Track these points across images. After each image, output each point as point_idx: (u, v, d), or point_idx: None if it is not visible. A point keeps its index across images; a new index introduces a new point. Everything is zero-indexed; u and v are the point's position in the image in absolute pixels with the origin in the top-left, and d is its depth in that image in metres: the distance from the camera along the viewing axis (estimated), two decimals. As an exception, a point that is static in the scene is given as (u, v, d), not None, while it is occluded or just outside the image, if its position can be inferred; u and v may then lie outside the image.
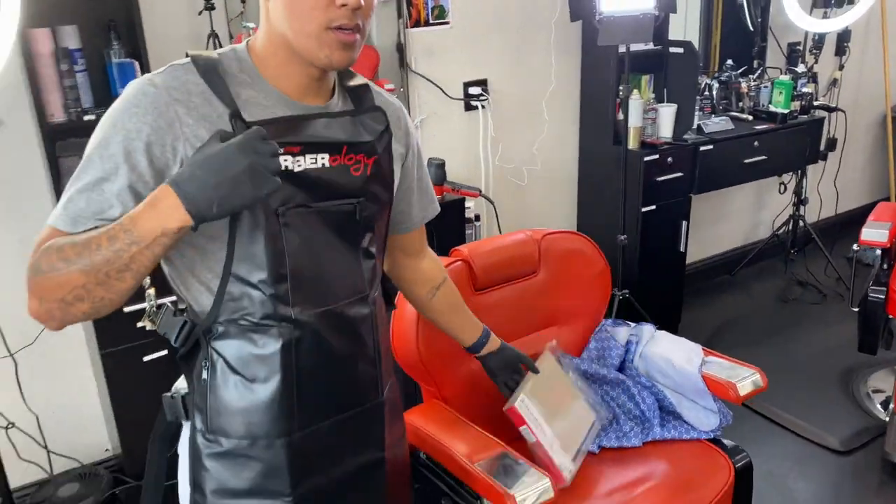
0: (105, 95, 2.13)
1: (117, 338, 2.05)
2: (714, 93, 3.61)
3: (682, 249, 3.33)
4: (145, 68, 2.09)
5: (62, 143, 2.09)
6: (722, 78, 3.67)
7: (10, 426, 2.13)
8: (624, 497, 1.64)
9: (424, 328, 1.71)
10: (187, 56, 1.07)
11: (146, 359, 2.11)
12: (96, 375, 2.39)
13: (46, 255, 0.97)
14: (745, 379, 1.71)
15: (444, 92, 2.88)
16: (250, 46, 1.11)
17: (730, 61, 3.74)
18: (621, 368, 1.94)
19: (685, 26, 3.83)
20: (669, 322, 3.32)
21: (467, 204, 2.65)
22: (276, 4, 1.04)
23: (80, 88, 2.07)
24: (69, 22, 2.05)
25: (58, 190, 2.04)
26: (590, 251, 1.98)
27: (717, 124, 3.34)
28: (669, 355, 1.83)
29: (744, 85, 3.62)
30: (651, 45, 3.16)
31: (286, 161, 1.04)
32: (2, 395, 1.98)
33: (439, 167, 2.55)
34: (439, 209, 1.42)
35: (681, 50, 3.13)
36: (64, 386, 2.36)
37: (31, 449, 2.28)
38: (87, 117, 2.06)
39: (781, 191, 4.05)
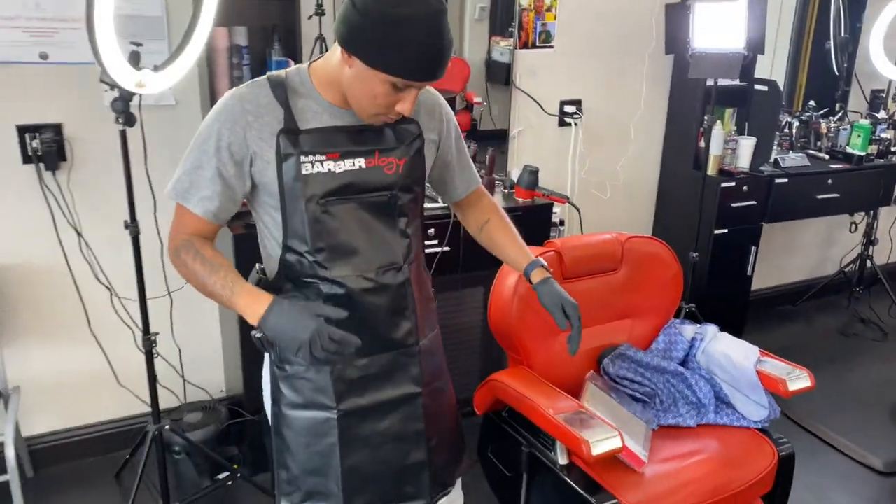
0: (263, 86, 2.52)
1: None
2: (794, 130, 3.82)
3: (748, 273, 3.55)
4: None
5: (224, 123, 2.49)
6: (803, 117, 3.88)
7: (157, 355, 2.54)
8: (677, 465, 1.91)
9: (519, 305, 2.02)
10: (266, 75, 1.41)
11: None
12: (222, 324, 2.79)
13: (186, 251, 1.38)
14: (795, 377, 1.96)
15: (542, 108, 3.20)
16: (311, 68, 1.41)
17: (812, 102, 3.95)
18: (685, 361, 2.21)
19: (772, 66, 4.05)
20: (730, 340, 3.53)
21: (554, 209, 2.95)
22: (351, 79, 1.31)
23: (244, 79, 2.47)
24: (241, 23, 2.46)
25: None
26: (667, 256, 2.26)
27: (794, 160, 3.56)
28: (729, 352, 2.09)
29: (823, 125, 3.81)
30: (738, 81, 3.41)
31: (329, 164, 1.37)
32: (157, 327, 2.38)
33: (532, 174, 2.85)
34: (480, 181, 1.71)
35: (765, 88, 3.37)
36: (198, 329, 2.78)
37: (171, 377, 2.69)
38: (248, 103, 2.45)
39: (852, 230, 4.20)
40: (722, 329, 2.21)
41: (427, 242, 1.97)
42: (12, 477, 2.16)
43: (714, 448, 1.98)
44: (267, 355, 1.52)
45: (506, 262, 1.73)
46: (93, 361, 2.59)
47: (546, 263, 1.64)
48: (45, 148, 2.34)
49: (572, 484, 1.83)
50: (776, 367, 2.02)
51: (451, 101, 3.11)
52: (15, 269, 2.42)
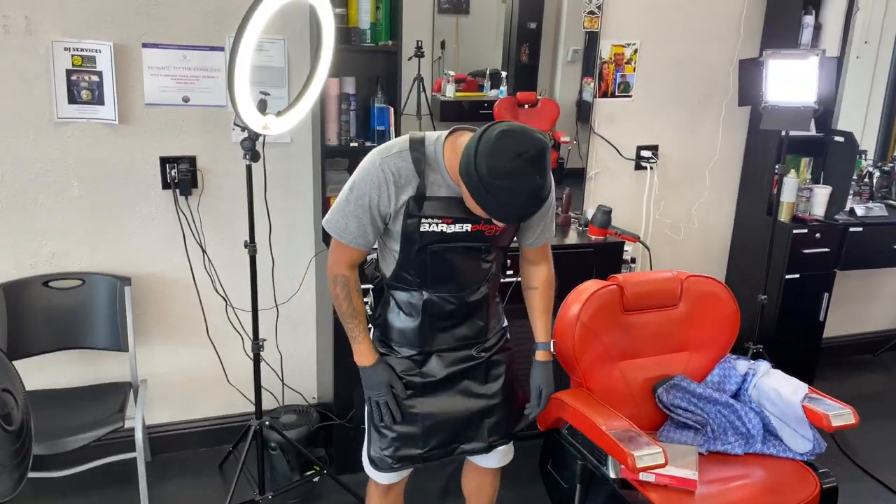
0: (365, 129, 2.88)
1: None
2: (874, 180, 3.87)
3: (821, 319, 3.62)
4: (396, 112, 2.81)
5: (330, 160, 2.85)
6: (885, 168, 3.92)
7: (262, 360, 2.89)
8: (721, 487, 2.07)
9: (581, 331, 2.24)
10: (409, 140, 1.76)
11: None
12: (318, 337, 3.13)
13: (341, 287, 1.87)
14: (839, 414, 2.09)
15: (619, 152, 3.42)
16: (446, 144, 1.73)
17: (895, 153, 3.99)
18: (737, 394, 2.36)
19: (866, 117, 4.12)
20: (800, 384, 3.59)
21: (626, 247, 3.15)
22: (463, 188, 1.64)
23: (350, 123, 2.82)
24: (350, 74, 2.82)
25: (322, 193, 2.79)
26: (724, 295, 2.43)
27: (870, 209, 3.62)
28: (779, 387, 2.24)
29: (905, 176, 3.85)
30: (814, 132, 3.53)
31: (442, 226, 1.76)
32: (263, 335, 2.73)
33: (605, 213, 3.07)
34: (551, 235, 1.99)
35: (842, 139, 3.47)
36: (298, 340, 3.13)
37: (271, 380, 3.05)
38: (351, 144, 2.81)
39: (937, 281, 4.18)
40: (792, 373, 2.33)
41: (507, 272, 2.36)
42: (139, 456, 2.53)
43: (759, 475, 2.12)
44: (371, 331, 2.00)
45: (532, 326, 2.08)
46: (207, 363, 2.97)
47: (553, 348, 2.03)
48: (181, 176, 2.76)
49: (623, 496, 2.02)
50: (823, 403, 2.16)
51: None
52: (150, 279, 2.84)
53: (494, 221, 1.72)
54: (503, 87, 3.34)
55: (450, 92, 3.12)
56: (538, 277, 2.03)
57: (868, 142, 4.16)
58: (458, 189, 1.70)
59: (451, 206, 1.75)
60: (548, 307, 2.04)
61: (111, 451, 2.66)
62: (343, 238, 1.80)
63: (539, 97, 3.33)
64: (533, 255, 2.01)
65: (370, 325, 1.97)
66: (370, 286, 2.00)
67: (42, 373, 2.72)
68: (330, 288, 1.89)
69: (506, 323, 2.08)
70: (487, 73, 3.32)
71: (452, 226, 1.76)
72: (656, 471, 1.97)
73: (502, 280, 2.05)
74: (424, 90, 3.03)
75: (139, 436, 2.51)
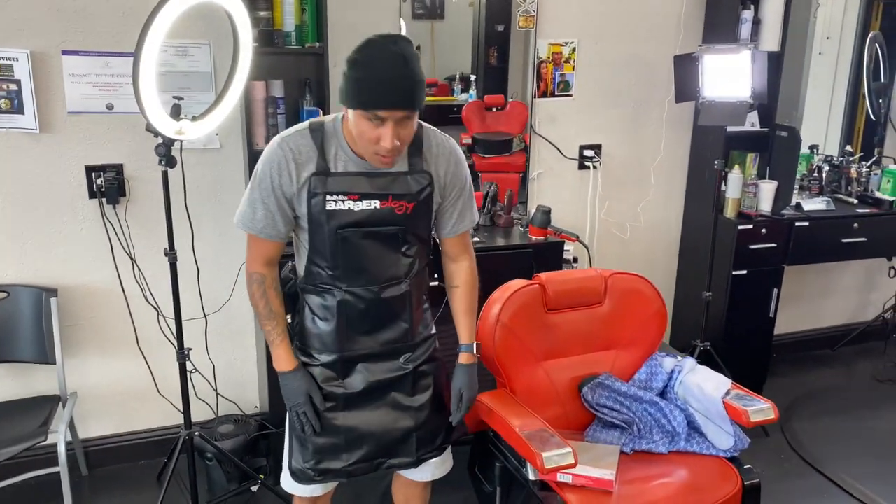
0: (295, 133, 2.84)
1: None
2: (823, 174, 3.86)
3: (771, 315, 3.60)
4: (326, 114, 2.77)
5: (260, 165, 2.81)
6: (834, 162, 3.91)
7: (193, 371, 2.84)
8: (641, 486, 2.04)
9: (501, 332, 2.21)
10: (309, 122, 1.73)
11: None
12: (257, 345, 3.08)
13: (257, 286, 1.81)
14: (758, 409, 2.06)
15: (560, 152, 3.40)
16: (344, 120, 1.70)
17: (848, 147, 3.99)
18: (664, 392, 2.33)
19: (829, 113, 4.13)
20: (752, 381, 3.57)
21: (566, 247, 3.12)
22: (351, 126, 1.63)
23: (279, 126, 2.79)
24: (277, 77, 2.78)
25: (252, 199, 2.75)
26: (649, 292, 2.40)
27: (817, 203, 3.60)
28: (702, 383, 2.21)
29: (853, 170, 3.84)
30: (758, 127, 3.52)
31: (349, 203, 1.69)
32: (194, 345, 2.69)
33: (545, 213, 3.04)
34: (471, 224, 1.93)
35: (785, 133, 3.46)
36: (235, 350, 3.08)
37: (205, 390, 3.00)
38: (280, 148, 2.77)
39: (891, 275, 4.16)
40: (742, 372, 2.31)
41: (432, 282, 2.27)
42: (63, 471, 2.48)
43: (681, 473, 2.09)
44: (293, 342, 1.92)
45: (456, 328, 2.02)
46: (139, 374, 2.92)
47: (477, 350, 1.97)
48: (108, 185, 2.72)
49: (539, 498, 1.99)
50: (745, 399, 2.13)
51: (509, 143, 3.36)
52: (78, 290, 2.79)
53: (402, 200, 1.70)
54: (472, 91, 3.33)
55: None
56: (459, 275, 1.97)
57: (833, 136, 4.17)
58: (364, 164, 1.69)
59: (356, 182, 1.70)
60: (471, 307, 1.98)
61: (38, 465, 2.62)
62: (253, 229, 1.75)
63: (508, 100, 3.31)
64: (452, 249, 1.95)
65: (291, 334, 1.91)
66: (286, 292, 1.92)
67: (-33, 388, 2.67)
68: (247, 290, 1.83)
69: (434, 330, 2.00)
70: (458, 76, 3.30)
71: (360, 203, 1.70)
72: (570, 471, 1.94)
73: (432, 284, 1.99)
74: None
75: (62, 449, 2.46)
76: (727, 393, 2.15)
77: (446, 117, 3.28)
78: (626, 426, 2.26)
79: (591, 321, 2.36)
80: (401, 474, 2.09)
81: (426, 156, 1.77)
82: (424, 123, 1.81)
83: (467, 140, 3.30)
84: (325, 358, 1.85)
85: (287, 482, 1.96)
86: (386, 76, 1.54)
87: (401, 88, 1.55)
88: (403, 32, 3.02)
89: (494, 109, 3.36)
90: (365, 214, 1.71)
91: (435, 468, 2.03)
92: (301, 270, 1.83)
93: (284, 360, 1.83)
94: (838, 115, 4.21)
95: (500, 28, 3.35)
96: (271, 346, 1.83)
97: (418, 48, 3.13)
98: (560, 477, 1.98)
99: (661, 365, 2.35)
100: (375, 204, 1.71)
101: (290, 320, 1.90)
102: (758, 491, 2.08)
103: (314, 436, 1.85)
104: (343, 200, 1.69)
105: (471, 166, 2.05)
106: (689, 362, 2.32)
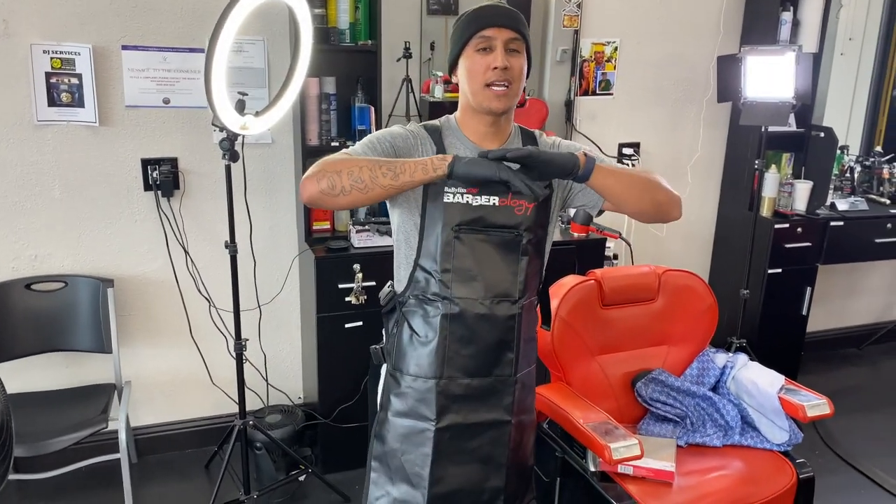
0: (346, 129, 2.89)
1: (331, 305, 2.75)
2: (856, 175, 3.90)
3: (804, 313, 3.64)
4: (377, 112, 2.83)
5: (311, 160, 2.83)
6: (866, 163, 3.96)
7: (245, 360, 2.89)
8: (699, 478, 2.09)
9: (559, 327, 2.26)
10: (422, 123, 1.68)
11: (347, 326, 2.79)
12: (303, 336, 3.14)
13: (339, 162, 1.48)
14: (815, 404, 2.11)
15: (600, 150, 3.44)
16: (456, 115, 1.68)
17: (878, 147, 4.03)
18: (716, 387, 2.38)
19: (850, 113, 4.16)
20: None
21: (608, 244, 3.17)
22: (461, 77, 1.61)
23: (331, 123, 2.84)
24: (330, 74, 2.83)
25: (305, 193, 2.80)
26: (701, 289, 2.45)
27: (852, 204, 3.65)
28: (756, 379, 2.26)
29: (886, 171, 3.88)
30: (794, 128, 3.56)
31: (468, 197, 1.55)
32: (246, 335, 2.74)
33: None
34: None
35: (822, 134, 3.50)
36: (282, 341, 3.14)
37: (254, 381, 3.05)
38: (332, 143, 2.82)
39: (920, 275, 4.21)
40: (776, 367, 2.35)
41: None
42: (123, 457, 2.53)
43: (736, 466, 2.14)
44: (384, 367, 1.72)
45: None
46: (192, 363, 2.98)
47: (587, 166, 1.52)
48: (163, 178, 2.77)
49: (600, 489, 2.04)
50: (800, 395, 2.18)
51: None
52: (133, 281, 2.84)
53: (523, 199, 1.55)
54: None
55: (438, 93, 3.13)
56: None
57: (853, 138, 4.20)
58: (476, 146, 1.60)
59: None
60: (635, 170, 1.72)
61: (95, 452, 2.67)
62: (354, 153, 1.56)
63: (527, 97, 3.35)
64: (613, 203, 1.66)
65: (382, 365, 1.72)
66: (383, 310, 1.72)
67: (25, 375, 2.72)
68: (319, 181, 1.46)
69: (534, 376, 1.77)
70: None
71: (478, 197, 1.56)
72: (634, 463, 1.99)
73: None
74: (413, 91, 3.04)
75: (123, 437, 2.51)
76: (781, 388, 2.20)
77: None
78: (678, 420, 2.31)
79: (645, 317, 2.41)
80: None
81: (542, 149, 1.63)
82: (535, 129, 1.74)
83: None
84: (419, 385, 1.62)
85: None
86: (488, 6, 1.57)
87: (503, 12, 1.57)
88: (422, 27, 3.08)
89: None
90: (482, 211, 1.56)
91: None
92: (403, 281, 1.65)
93: (442, 158, 1.47)
94: (859, 116, 4.25)
95: (521, 26, 3.38)
96: (415, 170, 1.46)
97: (433, 44, 3.21)
98: (621, 468, 2.03)
99: (713, 360, 2.40)
100: (494, 200, 1.57)
101: (377, 346, 1.73)
102: (812, 484, 2.13)
103: (390, 484, 1.68)
104: (462, 193, 1.55)
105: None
106: (742, 358, 2.37)
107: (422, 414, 1.63)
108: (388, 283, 1.72)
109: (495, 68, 1.54)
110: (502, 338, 1.62)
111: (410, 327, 1.63)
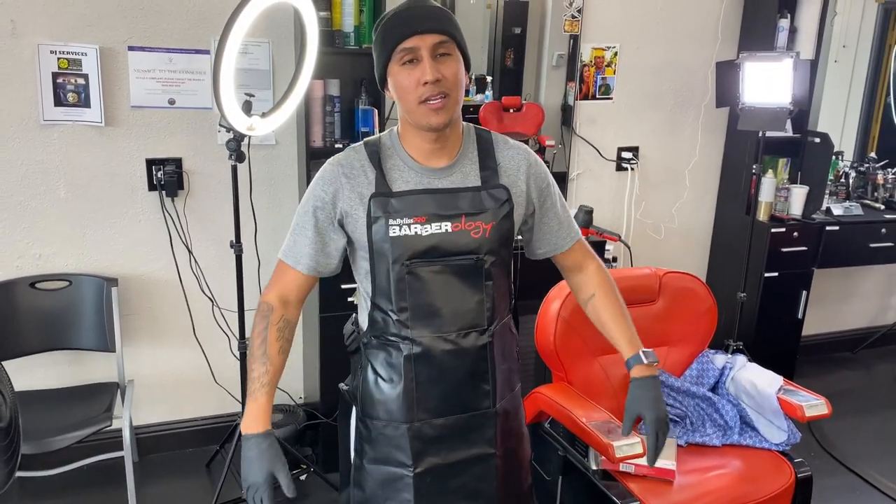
0: (350, 131, 2.92)
1: (333, 305, 2.77)
2: (850, 181, 3.95)
3: (799, 316, 3.69)
4: (381, 114, 2.85)
5: (315, 161, 2.88)
6: (860, 168, 4.01)
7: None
8: (699, 477, 2.12)
9: (562, 327, 2.29)
10: (364, 140, 1.53)
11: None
12: (304, 336, 3.15)
13: (262, 319, 1.50)
14: (813, 404, 2.14)
15: (600, 153, 3.48)
16: (399, 130, 1.51)
17: (872, 153, 4.08)
18: (715, 388, 2.41)
19: (844, 119, 4.21)
20: (780, 380, 3.65)
21: (607, 247, 3.20)
22: (395, 95, 1.43)
23: (335, 125, 2.86)
24: (334, 76, 2.86)
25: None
26: (701, 291, 2.48)
27: (847, 209, 3.70)
28: (755, 379, 2.29)
29: (880, 177, 3.93)
30: (791, 133, 3.61)
31: (416, 227, 1.42)
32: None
33: (587, 213, 3.12)
34: (578, 235, 1.66)
35: (818, 140, 3.55)
36: (282, 340, 3.15)
37: (257, 380, 3.07)
38: (336, 145, 2.84)
39: (913, 279, 4.27)
40: (772, 370, 2.38)
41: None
42: (127, 455, 2.55)
43: (736, 465, 2.18)
44: (354, 409, 1.61)
45: (610, 341, 1.69)
46: (195, 363, 3.00)
47: (655, 358, 1.61)
48: (167, 178, 2.78)
49: (602, 487, 2.07)
50: (798, 395, 2.21)
51: (526, 144, 3.40)
52: (137, 280, 2.86)
53: (478, 220, 1.45)
54: (488, 92, 3.39)
55: (437, 97, 3.15)
56: (589, 282, 1.67)
57: (847, 143, 4.25)
58: (424, 171, 1.47)
59: (421, 202, 1.44)
60: (619, 310, 1.66)
61: (98, 450, 2.69)
62: (288, 259, 1.51)
63: (524, 101, 3.38)
64: (570, 259, 1.66)
65: (352, 406, 1.61)
66: (349, 351, 1.64)
67: (29, 373, 2.73)
68: (255, 315, 1.53)
69: (520, 399, 1.68)
70: (473, 77, 3.36)
71: (427, 226, 1.43)
72: (635, 461, 2.02)
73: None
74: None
75: (126, 435, 2.53)
76: (780, 389, 2.23)
77: (462, 117, 3.31)
78: (678, 420, 2.34)
79: (646, 318, 2.43)
80: None
81: (500, 166, 1.52)
82: (492, 131, 1.60)
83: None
84: (391, 431, 1.52)
85: None
86: (403, 9, 1.40)
87: (421, 14, 1.39)
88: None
89: (511, 111, 3.42)
90: (435, 240, 1.43)
91: None
92: (364, 322, 1.55)
93: (255, 419, 1.47)
94: (853, 123, 4.31)
95: (517, 31, 3.42)
96: (248, 396, 1.49)
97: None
98: (622, 467, 2.06)
99: (712, 361, 2.43)
100: (447, 227, 1.44)
101: (345, 385, 1.64)
102: (810, 483, 2.16)
103: None
104: (409, 225, 1.42)
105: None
106: (741, 359, 2.41)
107: (397, 460, 1.53)
108: (352, 319, 1.64)
109: (426, 83, 1.37)
110: (474, 370, 1.52)
111: (374, 371, 1.53)
